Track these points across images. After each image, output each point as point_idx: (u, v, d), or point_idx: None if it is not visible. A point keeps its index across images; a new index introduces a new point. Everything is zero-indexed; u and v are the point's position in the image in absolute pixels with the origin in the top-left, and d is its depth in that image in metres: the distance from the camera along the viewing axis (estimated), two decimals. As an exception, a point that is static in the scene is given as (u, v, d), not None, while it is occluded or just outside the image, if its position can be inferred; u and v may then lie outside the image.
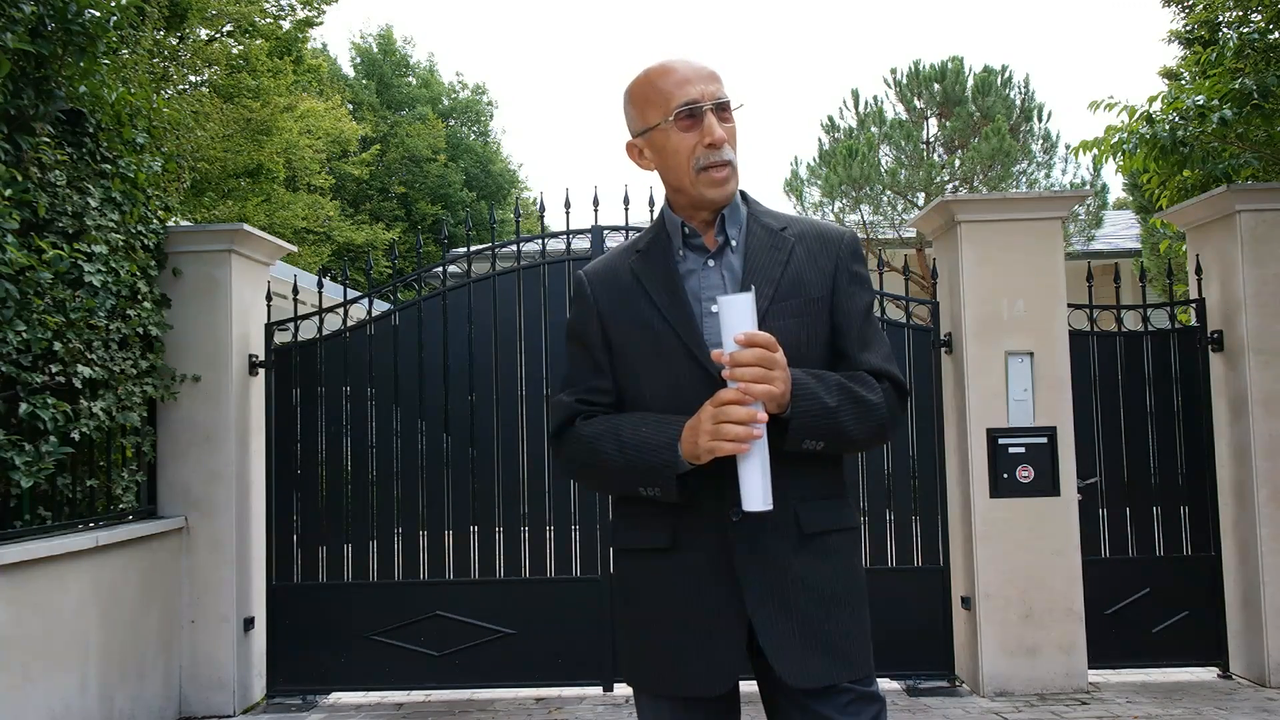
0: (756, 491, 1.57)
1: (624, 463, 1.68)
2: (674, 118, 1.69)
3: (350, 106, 24.82)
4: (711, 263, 1.76)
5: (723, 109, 1.70)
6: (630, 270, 1.79)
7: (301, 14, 17.40)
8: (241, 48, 16.14)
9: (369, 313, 5.20)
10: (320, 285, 5.25)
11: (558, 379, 5.07)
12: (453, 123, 29.30)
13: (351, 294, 5.43)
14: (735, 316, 1.57)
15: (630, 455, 1.67)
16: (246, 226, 4.91)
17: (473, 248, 5.43)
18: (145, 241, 4.66)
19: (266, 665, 4.99)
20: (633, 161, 1.83)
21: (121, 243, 4.45)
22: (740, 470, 1.58)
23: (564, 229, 5.22)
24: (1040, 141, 12.07)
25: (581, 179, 52.94)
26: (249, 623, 4.91)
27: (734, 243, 1.77)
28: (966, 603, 4.88)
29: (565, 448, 1.80)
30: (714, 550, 1.67)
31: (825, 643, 1.65)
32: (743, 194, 1.83)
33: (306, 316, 5.18)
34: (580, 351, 1.83)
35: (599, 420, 1.76)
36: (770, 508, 1.57)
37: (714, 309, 1.69)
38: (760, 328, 1.59)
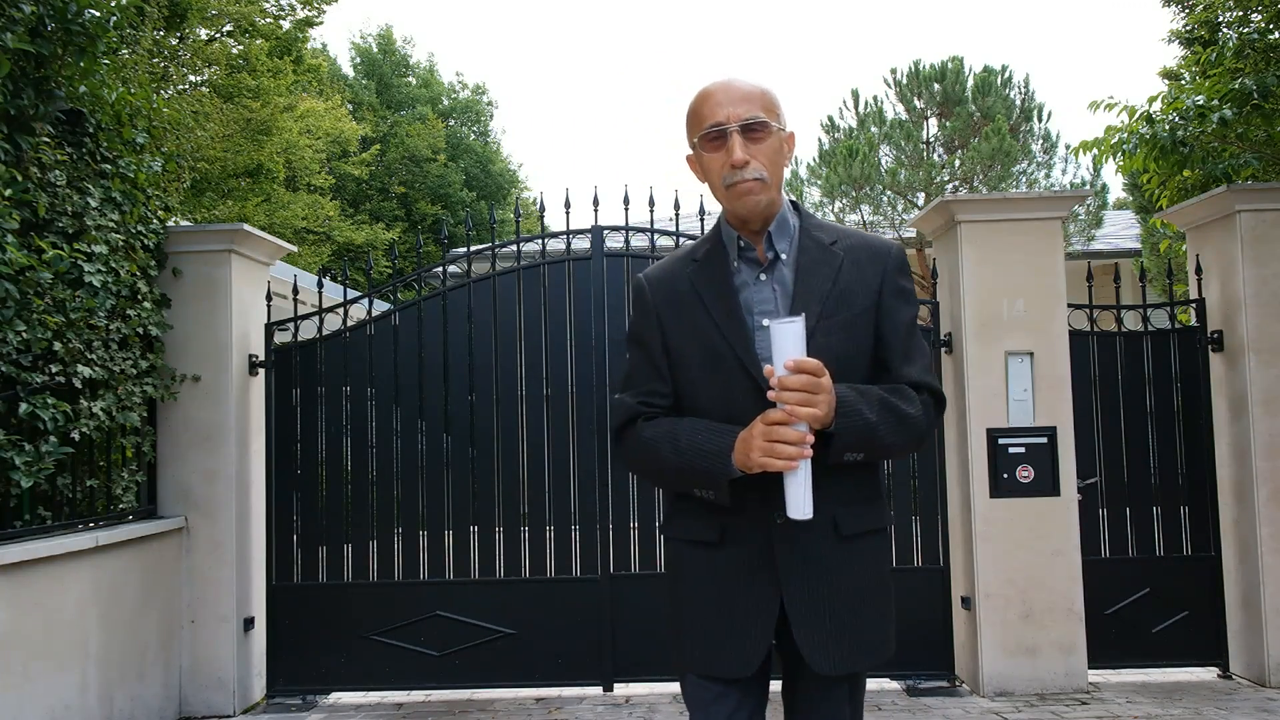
0: (799, 502, 1.69)
1: (680, 465, 1.81)
2: (699, 140, 1.84)
3: (350, 106, 24.82)
4: (764, 277, 1.86)
5: (751, 129, 1.79)
6: (689, 279, 1.89)
7: (301, 14, 17.39)
8: (241, 48, 16.14)
9: (369, 313, 5.20)
10: (320, 285, 5.25)
11: (557, 378, 5.09)
12: (453, 123, 29.30)
13: (351, 294, 5.44)
14: (785, 343, 1.66)
15: (686, 459, 1.79)
16: (246, 226, 4.91)
17: (473, 248, 5.42)
18: (145, 241, 4.66)
19: (266, 665, 4.99)
20: (693, 173, 1.94)
21: (121, 243, 4.45)
22: (786, 483, 1.70)
23: (564, 229, 5.22)
24: (1040, 141, 12.06)
25: (581, 179, 52.99)
26: (249, 623, 4.91)
27: (784, 256, 1.86)
28: (966, 603, 4.88)
29: (627, 447, 1.94)
30: (757, 548, 1.82)
31: (854, 636, 1.81)
32: (795, 205, 1.93)
33: (306, 316, 5.18)
34: (641, 354, 1.94)
35: (658, 423, 1.88)
36: (810, 516, 1.70)
37: (765, 323, 1.79)
38: (808, 341, 1.70)
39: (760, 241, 1.86)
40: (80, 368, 4.09)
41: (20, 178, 3.84)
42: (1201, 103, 5.40)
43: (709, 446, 1.77)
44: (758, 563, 1.81)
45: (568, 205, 5.19)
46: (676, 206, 5.17)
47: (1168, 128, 5.48)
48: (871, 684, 5.00)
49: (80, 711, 3.96)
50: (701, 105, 1.83)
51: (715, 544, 1.85)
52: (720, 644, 1.83)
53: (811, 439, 1.67)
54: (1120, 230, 14.42)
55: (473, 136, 29.53)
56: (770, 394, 1.67)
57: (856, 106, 12.61)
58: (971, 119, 11.91)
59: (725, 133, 1.79)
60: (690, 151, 1.90)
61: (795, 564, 1.79)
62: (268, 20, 16.84)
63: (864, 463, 1.82)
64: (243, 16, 15.58)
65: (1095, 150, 5.93)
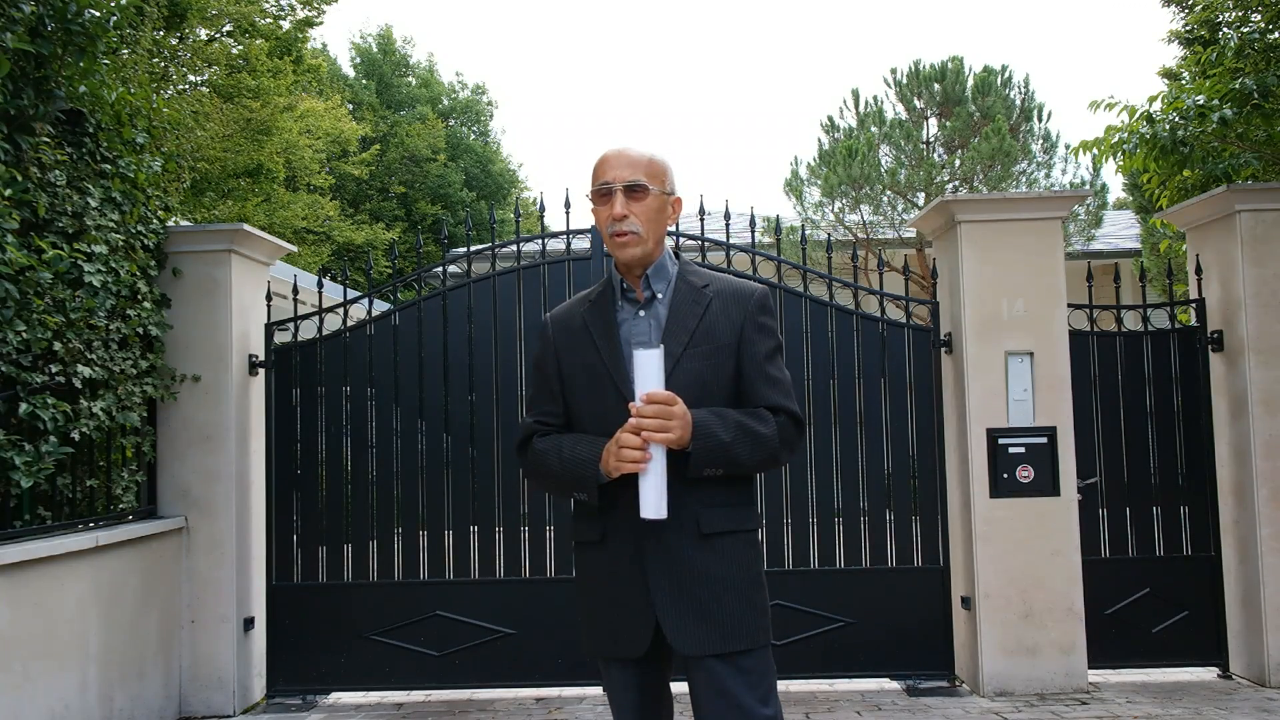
0: (650, 503, 1.99)
1: (562, 472, 2.15)
2: (591, 195, 2.19)
3: (350, 106, 24.82)
4: (642, 313, 2.20)
5: (632, 190, 2.14)
6: (582, 316, 2.25)
7: (301, 14, 17.37)
8: (241, 48, 16.11)
9: (369, 313, 5.20)
10: (320, 285, 5.25)
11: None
12: (453, 123, 29.29)
13: (351, 294, 5.43)
14: (644, 370, 2.00)
15: (567, 467, 2.14)
16: (246, 226, 4.91)
17: (473, 248, 5.42)
18: (145, 241, 4.66)
19: (266, 665, 4.99)
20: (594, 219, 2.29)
21: (121, 243, 4.45)
22: (640, 486, 2.01)
23: (564, 229, 5.22)
24: (1040, 141, 12.02)
25: (581, 179, 52.91)
26: (249, 623, 4.91)
27: (660, 296, 2.20)
28: (966, 603, 4.88)
29: (525, 458, 2.29)
30: (632, 544, 2.11)
31: (710, 619, 2.06)
32: (677, 255, 2.29)
33: (306, 316, 5.18)
34: (541, 380, 2.30)
35: (549, 438, 2.22)
36: (662, 516, 2.00)
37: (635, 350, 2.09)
38: (674, 368, 2.08)
39: (639, 283, 2.19)
40: (80, 368, 4.09)
41: (20, 178, 3.84)
42: (1201, 103, 5.40)
43: (584, 455, 2.10)
44: (632, 558, 2.10)
45: (568, 205, 5.19)
46: (676, 206, 5.16)
47: (1168, 128, 5.47)
48: (871, 684, 5.01)
49: (80, 711, 3.96)
50: (598, 167, 2.18)
51: (599, 543, 2.17)
52: (612, 630, 2.15)
53: (658, 449, 1.98)
54: (1120, 230, 14.43)
55: (473, 136, 29.51)
56: (632, 419, 1.98)
57: (856, 106, 12.57)
58: (971, 119, 11.87)
59: (611, 191, 2.13)
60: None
61: (660, 557, 2.08)
62: (267, 20, 16.81)
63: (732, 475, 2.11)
64: (242, 16, 15.56)
65: (1095, 150, 5.92)
